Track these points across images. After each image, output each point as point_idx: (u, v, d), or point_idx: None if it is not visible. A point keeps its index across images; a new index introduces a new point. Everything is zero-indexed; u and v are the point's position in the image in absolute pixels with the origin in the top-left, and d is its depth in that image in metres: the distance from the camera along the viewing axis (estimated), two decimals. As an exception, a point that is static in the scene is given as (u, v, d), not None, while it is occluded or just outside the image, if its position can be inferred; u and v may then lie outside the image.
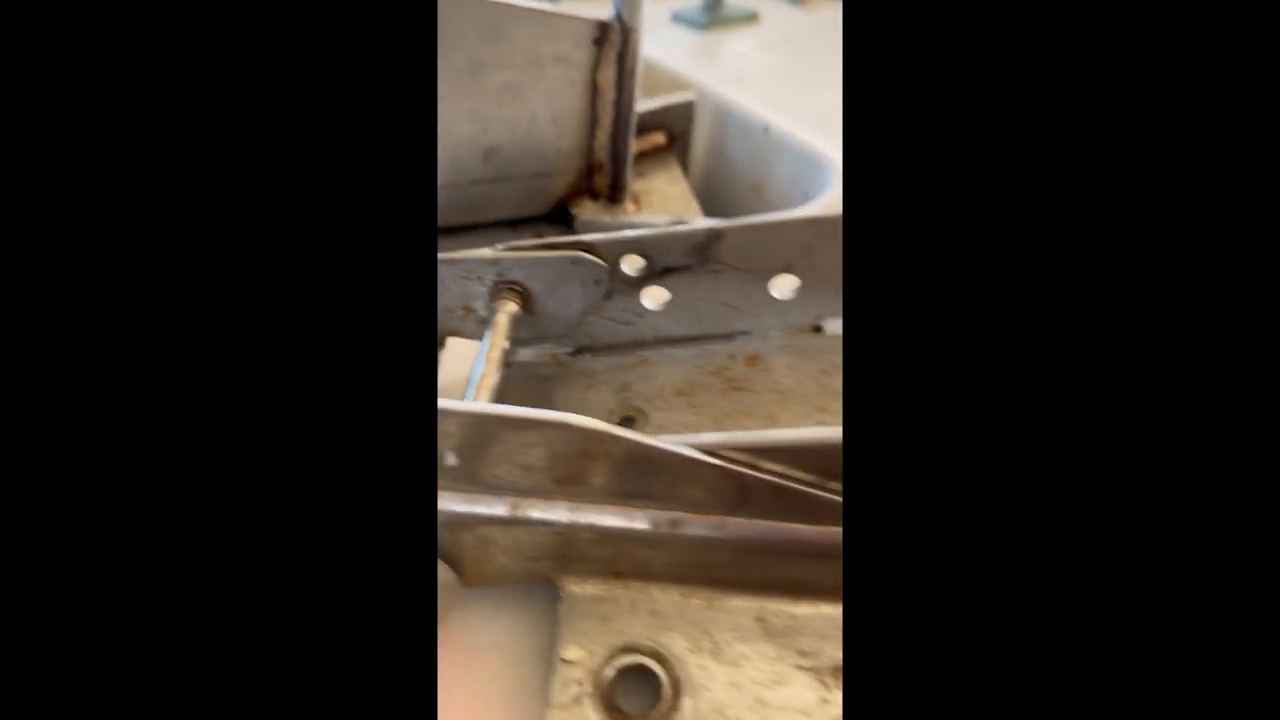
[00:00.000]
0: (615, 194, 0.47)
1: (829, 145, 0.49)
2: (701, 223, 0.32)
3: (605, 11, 0.40)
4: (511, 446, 0.20)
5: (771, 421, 0.28)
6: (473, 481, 0.21)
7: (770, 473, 0.21)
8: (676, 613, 0.22)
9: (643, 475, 0.21)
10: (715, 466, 0.20)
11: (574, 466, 0.20)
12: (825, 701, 0.20)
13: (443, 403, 0.19)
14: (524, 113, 0.42)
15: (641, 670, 0.21)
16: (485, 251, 0.30)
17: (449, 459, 0.20)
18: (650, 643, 0.21)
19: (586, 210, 0.48)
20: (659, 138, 0.54)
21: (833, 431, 0.20)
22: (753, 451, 0.21)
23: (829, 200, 0.42)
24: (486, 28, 0.38)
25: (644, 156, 0.53)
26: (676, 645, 0.21)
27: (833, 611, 0.22)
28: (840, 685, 0.21)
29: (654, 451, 0.20)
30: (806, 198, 0.47)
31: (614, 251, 0.29)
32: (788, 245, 0.29)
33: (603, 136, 0.45)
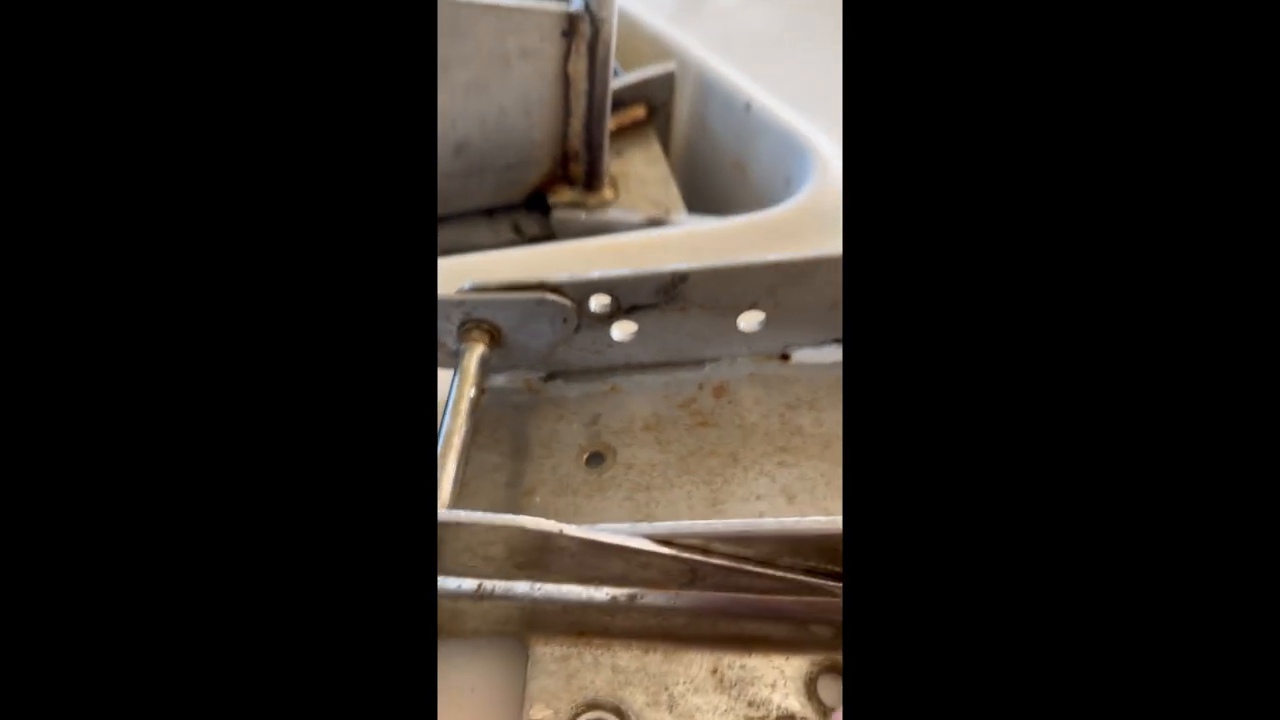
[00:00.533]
0: (592, 181, 0.47)
1: (813, 123, 0.47)
2: (668, 250, 0.32)
3: (574, 2, 0.38)
4: (472, 544, 0.21)
5: (735, 461, 0.29)
6: (439, 570, 0.22)
7: (718, 554, 0.22)
8: (637, 667, 0.24)
9: (599, 561, 0.22)
10: (665, 555, 0.21)
11: (533, 556, 0.21)
12: None
13: None
14: (492, 108, 0.41)
15: None
16: (450, 293, 0.29)
17: None
18: (611, 698, 0.23)
19: (563, 197, 0.47)
20: (638, 111, 0.52)
21: (777, 522, 0.21)
22: (703, 537, 0.21)
23: (805, 200, 0.41)
24: (447, 26, 0.36)
25: (623, 132, 0.51)
26: (636, 700, 0.23)
27: (782, 662, 0.24)
28: None
29: (608, 545, 0.21)
30: (788, 183, 0.46)
31: (580, 292, 0.29)
32: (753, 287, 0.29)
33: (577, 125, 0.44)
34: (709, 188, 0.54)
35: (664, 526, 0.21)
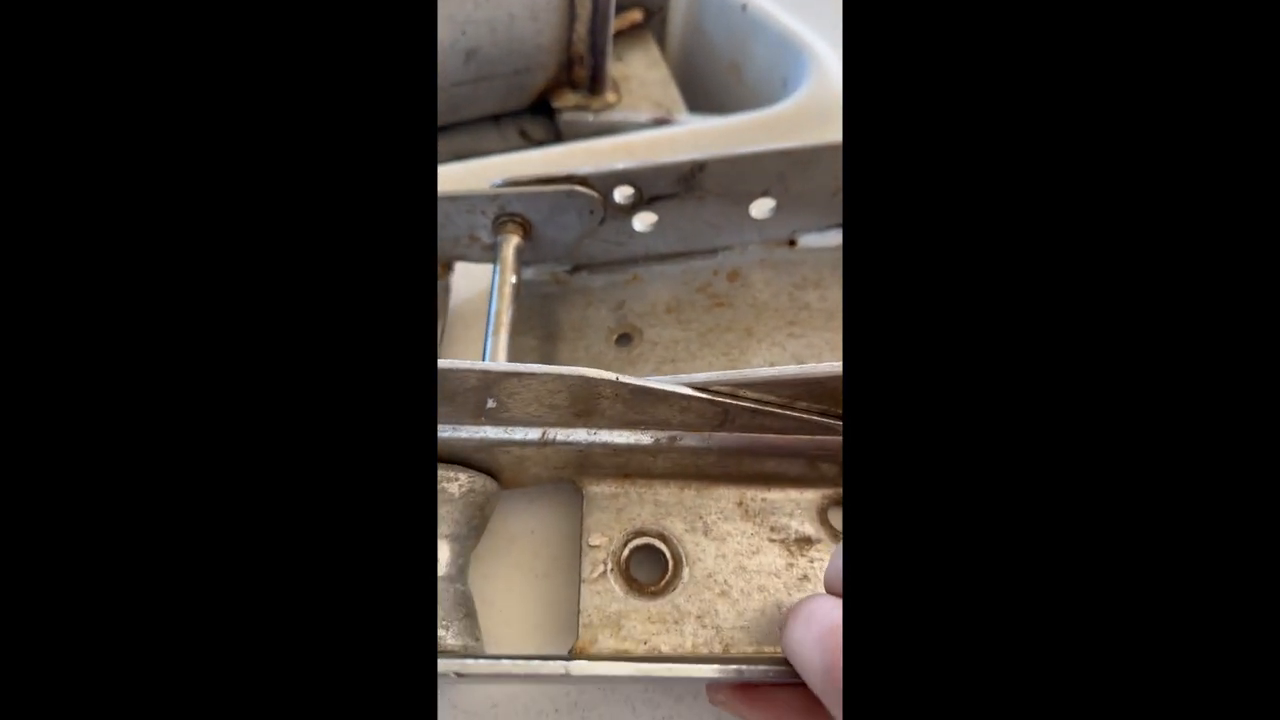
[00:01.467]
0: (595, 85, 0.48)
1: (809, 24, 0.48)
2: (682, 141, 0.34)
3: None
4: (540, 393, 0.24)
5: (750, 335, 0.33)
6: (509, 419, 0.25)
7: (746, 399, 0.25)
8: (675, 502, 0.28)
9: (644, 407, 0.25)
10: (702, 399, 0.25)
11: (589, 404, 0.25)
12: (791, 565, 0.27)
13: (491, 365, 0.23)
14: (501, 13, 0.42)
15: (650, 549, 0.27)
16: (484, 187, 0.32)
17: (489, 403, 0.24)
18: (656, 527, 0.27)
19: (568, 101, 0.49)
20: (635, 15, 0.53)
21: (797, 368, 0.25)
22: (732, 384, 0.25)
23: (804, 99, 0.43)
24: (459, -71, 0.37)
25: (620, 36, 0.52)
26: (676, 528, 0.27)
27: (797, 495, 0.28)
28: (802, 554, 0.27)
29: (653, 391, 0.24)
30: (784, 84, 0.48)
31: (605, 183, 0.32)
32: (765, 174, 0.32)
33: (581, 29, 0.45)
34: (705, 90, 0.55)
35: (700, 376, 0.25)
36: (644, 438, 0.26)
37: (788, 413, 0.26)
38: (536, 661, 0.22)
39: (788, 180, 0.32)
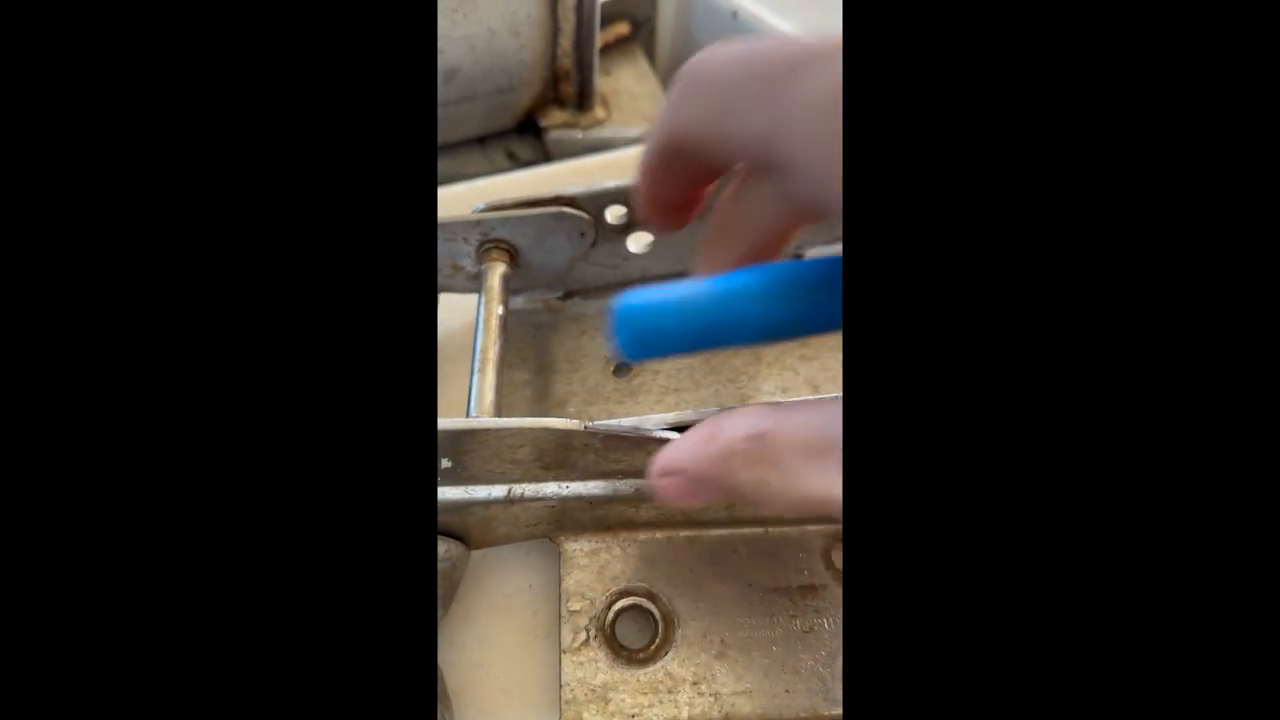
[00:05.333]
0: (583, 101, 0.46)
1: (803, 27, 0.47)
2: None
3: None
4: (499, 449, 0.22)
5: (758, 359, 0.30)
6: (469, 478, 0.23)
7: None
8: (661, 553, 0.25)
9: (619, 454, 0.23)
10: None
11: (558, 456, 0.22)
12: (794, 617, 0.24)
13: (442, 422, 0.21)
14: (481, 29, 0.40)
15: (637, 609, 0.24)
16: (466, 213, 0.30)
17: (444, 463, 0.22)
18: (642, 584, 0.25)
19: (555, 120, 0.47)
20: (622, 28, 0.51)
21: (789, 401, 0.22)
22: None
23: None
24: (432, -58, 0.35)
25: (608, 50, 0.51)
26: (664, 583, 0.24)
27: (798, 535, 0.25)
28: (807, 602, 0.24)
29: (628, 437, 0.22)
30: (779, 91, 0.46)
31: (596, 203, 0.30)
32: (766, 186, 0.30)
33: (566, 44, 0.43)
34: (698, 103, 0.53)
35: (676, 416, 0.22)
36: (623, 486, 0.24)
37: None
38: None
39: (791, 192, 0.30)
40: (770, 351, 0.30)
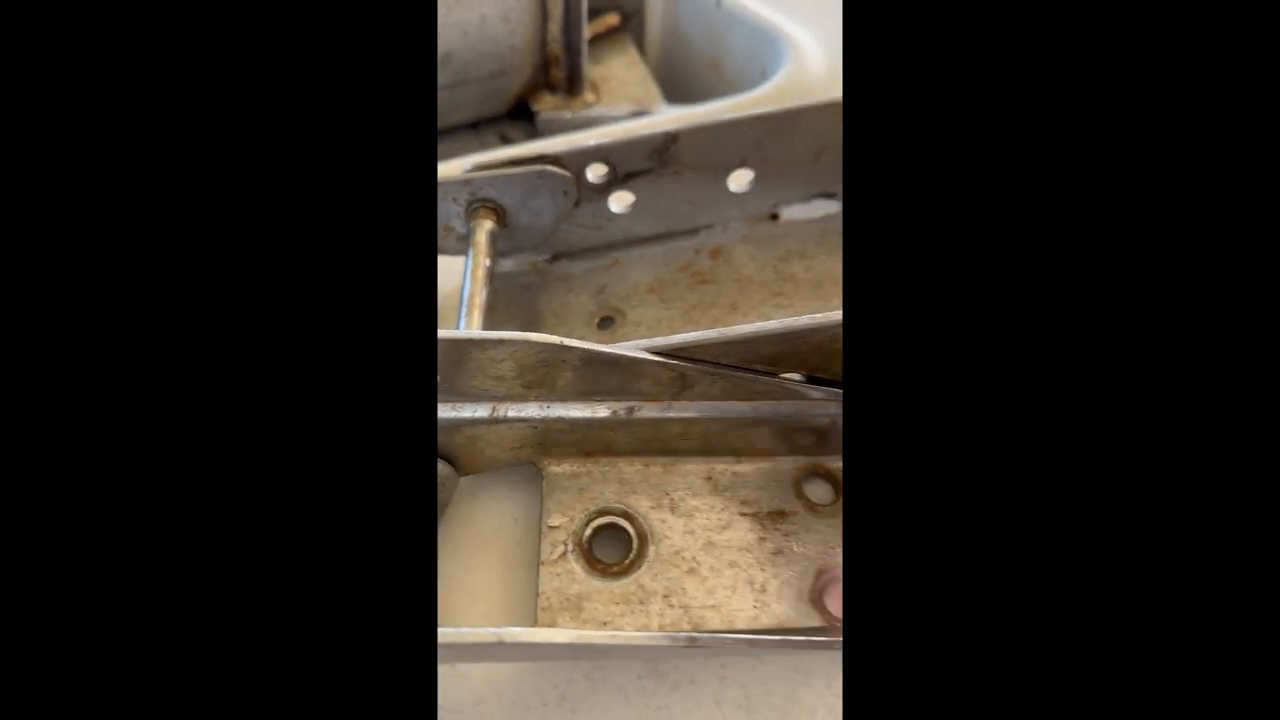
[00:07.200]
0: (573, 85, 0.48)
1: (786, 13, 0.48)
2: (658, 124, 0.34)
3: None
4: (483, 363, 0.23)
5: (735, 309, 0.31)
6: (455, 393, 0.24)
7: (704, 363, 0.24)
8: (639, 479, 0.26)
9: (598, 375, 0.24)
10: (656, 363, 0.23)
11: (539, 374, 0.24)
12: (763, 540, 0.25)
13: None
14: (473, 15, 0.42)
15: (614, 528, 0.25)
16: (455, 173, 0.31)
17: None
18: (619, 505, 0.26)
19: (546, 104, 0.48)
20: (612, 19, 0.53)
21: (779, 322, 0.23)
22: (693, 347, 0.24)
23: (783, 81, 0.43)
24: (424, -72, 0.37)
25: (598, 40, 0.52)
26: (641, 505, 0.26)
27: (770, 466, 0.26)
28: (776, 527, 0.25)
29: (604, 355, 0.23)
30: (764, 75, 0.48)
31: (578, 161, 0.31)
32: (741, 141, 0.31)
33: (555, 29, 0.45)
34: (687, 91, 0.55)
35: (655, 341, 0.23)
36: (601, 410, 0.25)
37: (751, 375, 0.24)
38: (466, 630, 0.20)
39: (765, 148, 0.31)
40: (747, 302, 0.32)
